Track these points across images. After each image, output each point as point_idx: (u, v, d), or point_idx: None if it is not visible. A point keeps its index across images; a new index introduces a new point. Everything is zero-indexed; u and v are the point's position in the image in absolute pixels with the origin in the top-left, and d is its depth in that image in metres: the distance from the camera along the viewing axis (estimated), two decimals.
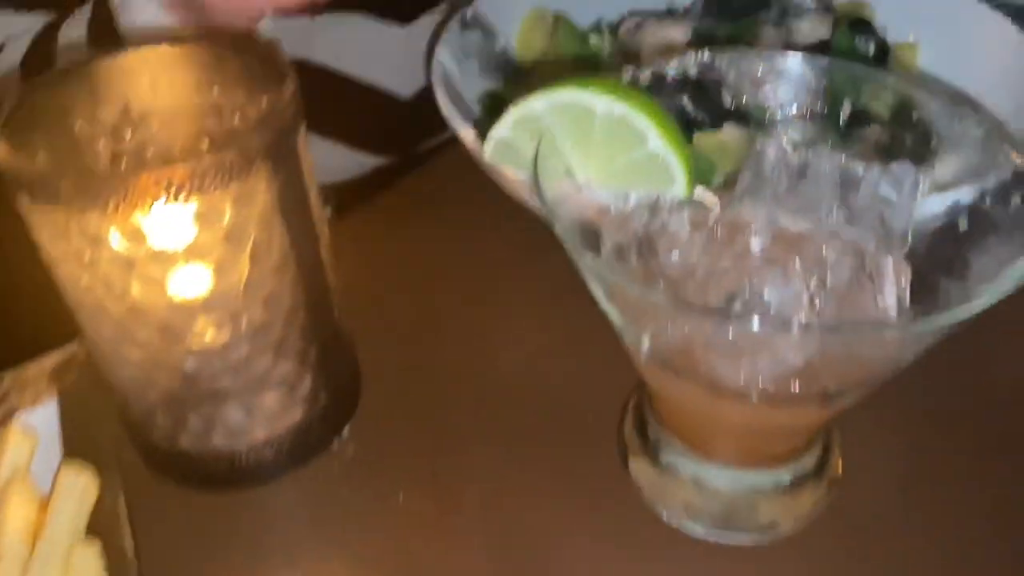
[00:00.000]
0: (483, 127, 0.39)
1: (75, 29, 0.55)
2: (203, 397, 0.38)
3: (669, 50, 0.52)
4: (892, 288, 0.32)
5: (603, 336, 0.34)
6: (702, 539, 0.38)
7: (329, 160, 0.80)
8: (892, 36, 0.60)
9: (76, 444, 0.41)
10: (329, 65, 0.74)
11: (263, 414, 0.40)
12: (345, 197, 0.77)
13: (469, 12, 0.58)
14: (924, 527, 0.38)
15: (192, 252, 0.34)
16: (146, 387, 0.39)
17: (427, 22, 0.73)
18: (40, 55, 0.59)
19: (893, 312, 0.31)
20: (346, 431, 0.43)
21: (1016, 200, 0.31)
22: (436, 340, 0.48)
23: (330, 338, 0.41)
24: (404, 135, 0.79)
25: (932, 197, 0.34)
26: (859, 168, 0.34)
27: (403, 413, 0.44)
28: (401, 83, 0.76)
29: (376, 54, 0.75)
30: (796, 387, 0.31)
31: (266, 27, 0.67)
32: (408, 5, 0.72)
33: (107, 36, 0.52)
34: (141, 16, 0.51)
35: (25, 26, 0.61)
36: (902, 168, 0.33)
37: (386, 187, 0.62)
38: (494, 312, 0.50)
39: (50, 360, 0.43)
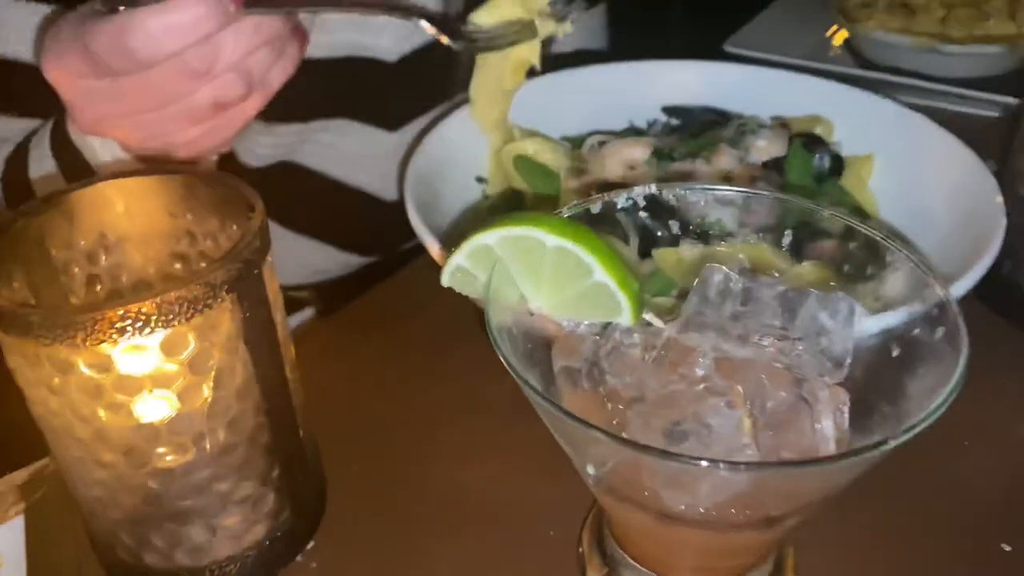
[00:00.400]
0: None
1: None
2: (167, 516, 0.39)
3: (630, 167, 0.55)
4: (829, 414, 0.33)
5: (564, 453, 0.35)
6: None
7: (315, 260, 0.82)
8: (849, 149, 0.63)
9: (40, 560, 0.41)
10: (317, 168, 0.77)
11: (227, 532, 0.40)
12: (331, 296, 0.79)
13: (441, 129, 0.60)
14: None
15: (157, 379, 0.35)
16: (111, 506, 0.39)
17: (415, 128, 0.75)
18: (14, 171, 0.61)
19: (831, 436, 0.33)
20: (310, 545, 0.44)
21: (940, 330, 0.32)
22: (403, 452, 0.49)
23: (294, 456, 0.42)
24: (389, 236, 0.81)
25: (867, 320, 0.35)
26: (799, 297, 0.35)
27: (367, 527, 0.45)
28: (387, 187, 0.78)
29: (364, 158, 0.78)
30: (739, 513, 0.32)
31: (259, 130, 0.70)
32: (397, 112, 0.75)
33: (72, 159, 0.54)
34: (102, 157, 0.53)
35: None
36: (839, 297, 0.35)
37: (371, 284, 0.64)
38: (461, 426, 0.51)
39: (19, 475, 0.44)
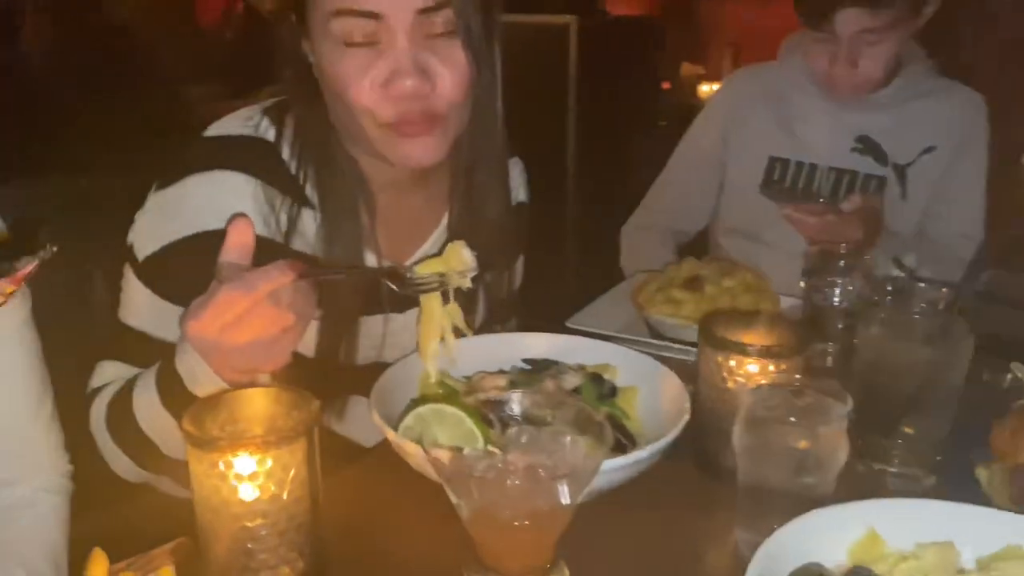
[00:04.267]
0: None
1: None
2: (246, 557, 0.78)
3: (496, 388, 1.01)
4: (566, 490, 0.76)
5: None
6: None
7: None
8: (622, 383, 1.10)
9: None
10: None
11: None
12: None
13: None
14: None
15: (261, 479, 0.76)
16: (222, 552, 0.78)
17: None
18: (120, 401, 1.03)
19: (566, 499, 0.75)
20: None
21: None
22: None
23: (312, 544, 0.81)
24: None
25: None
26: (559, 439, 0.80)
27: None
28: None
29: None
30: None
31: None
32: None
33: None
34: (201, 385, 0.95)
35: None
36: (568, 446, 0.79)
37: None
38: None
39: (170, 544, 0.82)
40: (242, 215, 0.93)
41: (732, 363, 0.94)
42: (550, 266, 2.11)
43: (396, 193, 1.18)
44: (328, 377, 1.14)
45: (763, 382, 0.89)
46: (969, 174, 1.70)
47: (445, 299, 1.00)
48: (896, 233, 1.61)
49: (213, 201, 1.06)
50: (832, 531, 0.77)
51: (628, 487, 0.92)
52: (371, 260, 1.17)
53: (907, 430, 0.99)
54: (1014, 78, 1.89)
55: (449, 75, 1.03)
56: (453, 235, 1.19)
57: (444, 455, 0.76)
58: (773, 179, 1.77)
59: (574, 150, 3.46)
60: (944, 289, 1.01)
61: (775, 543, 0.73)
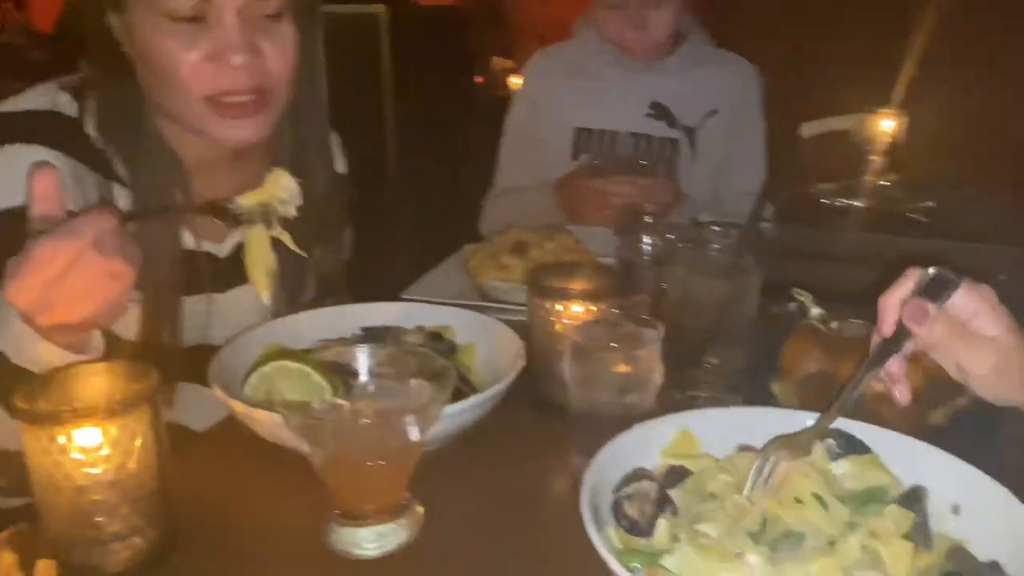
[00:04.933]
0: None
1: None
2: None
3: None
4: (415, 427, 0.81)
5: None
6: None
7: None
8: (460, 341, 1.16)
9: None
10: None
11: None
12: None
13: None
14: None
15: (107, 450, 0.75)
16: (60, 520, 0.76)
17: None
18: None
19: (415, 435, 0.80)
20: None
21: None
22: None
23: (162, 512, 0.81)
24: None
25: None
26: (405, 384, 0.84)
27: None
28: None
29: None
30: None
31: None
32: None
33: None
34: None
35: None
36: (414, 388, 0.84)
37: None
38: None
39: (5, 533, 0.79)
40: (44, 163, 0.86)
41: (559, 308, 1.03)
42: (377, 250, 2.15)
43: (212, 172, 1.18)
44: (154, 362, 1.12)
45: (585, 319, 0.98)
46: (748, 136, 1.91)
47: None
48: (690, 196, 1.78)
49: (10, 177, 0.98)
50: (652, 440, 0.87)
51: (473, 433, 0.99)
52: (188, 241, 1.16)
53: (711, 359, 1.11)
54: (784, 50, 2.12)
55: (278, 54, 1.05)
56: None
57: (294, 409, 0.79)
58: (580, 148, 1.90)
59: (392, 139, 3.49)
60: (733, 231, 1.14)
61: (606, 455, 0.82)
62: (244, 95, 1.04)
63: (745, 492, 0.78)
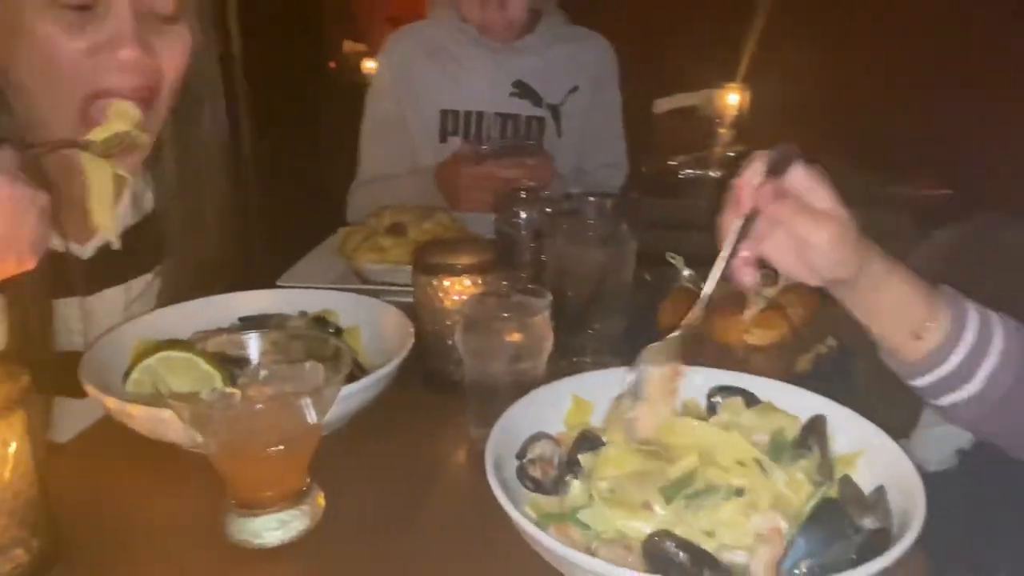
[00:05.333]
0: None
1: None
2: None
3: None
4: (312, 410, 0.79)
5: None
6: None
7: None
8: (344, 324, 1.14)
9: None
10: None
11: None
12: None
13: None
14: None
15: None
16: None
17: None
18: None
19: (312, 418, 0.79)
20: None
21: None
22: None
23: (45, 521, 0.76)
24: None
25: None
26: (298, 366, 0.83)
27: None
28: None
29: None
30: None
31: None
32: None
33: None
34: None
35: None
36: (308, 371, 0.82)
37: None
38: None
39: None
40: None
41: (446, 283, 1.03)
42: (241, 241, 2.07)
43: (77, 173, 1.10)
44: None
45: (475, 292, 0.99)
46: (607, 110, 1.96)
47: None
48: (561, 175, 1.82)
49: None
50: (549, 405, 0.89)
51: (368, 415, 0.98)
52: (56, 242, 1.09)
53: (593, 325, 1.15)
54: (634, 27, 2.19)
55: (170, 57, 0.99)
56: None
57: (185, 400, 0.76)
58: (447, 130, 1.90)
59: (248, 130, 3.37)
60: (607, 202, 1.18)
61: (506, 422, 0.83)
62: (129, 95, 0.97)
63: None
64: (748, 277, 0.85)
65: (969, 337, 0.86)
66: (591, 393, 0.91)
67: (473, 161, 1.65)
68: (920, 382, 0.89)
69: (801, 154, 0.83)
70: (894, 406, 1.02)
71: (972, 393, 0.87)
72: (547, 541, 0.66)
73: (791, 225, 0.80)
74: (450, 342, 1.06)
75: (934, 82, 2.51)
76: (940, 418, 1.00)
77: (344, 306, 1.17)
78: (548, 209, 1.23)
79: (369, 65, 4.89)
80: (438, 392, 1.08)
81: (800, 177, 0.80)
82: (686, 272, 1.14)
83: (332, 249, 1.52)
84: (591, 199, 1.18)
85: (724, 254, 0.83)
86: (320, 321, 1.10)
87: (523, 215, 1.36)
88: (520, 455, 0.83)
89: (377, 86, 1.99)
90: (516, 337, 0.92)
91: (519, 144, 1.76)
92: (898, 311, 0.86)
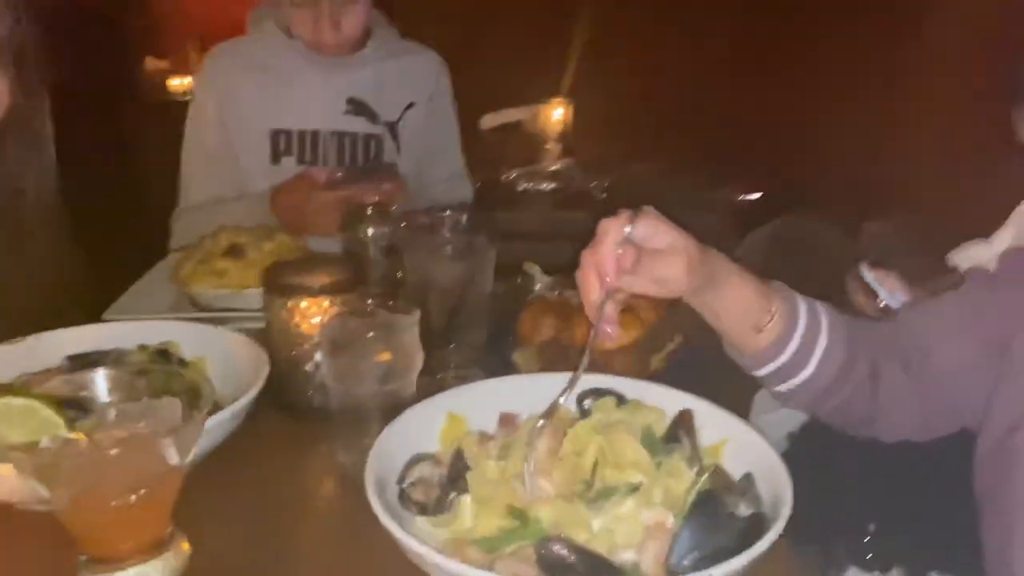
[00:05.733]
0: None
1: None
2: None
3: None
4: (173, 450, 0.73)
5: None
6: None
7: None
8: (189, 356, 1.07)
9: None
10: None
11: None
12: None
13: None
14: None
15: None
16: None
17: None
18: None
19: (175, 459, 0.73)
20: None
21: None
22: None
23: None
24: None
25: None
26: (152, 404, 0.76)
27: None
28: None
29: None
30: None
31: None
32: None
33: None
34: None
35: None
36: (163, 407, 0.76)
37: None
38: None
39: None
40: None
41: (303, 305, 0.99)
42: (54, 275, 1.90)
43: None
44: None
45: (337, 312, 0.95)
46: (444, 125, 1.96)
47: None
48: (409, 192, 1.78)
49: None
50: (423, 425, 0.87)
51: (226, 450, 0.91)
52: None
53: (456, 339, 1.14)
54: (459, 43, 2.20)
55: None
56: None
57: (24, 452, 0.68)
58: (280, 151, 1.81)
59: (54, 164, 3.09)
60: (462, 215, 1.18)
61: (381, 444, 0.81)
62: None
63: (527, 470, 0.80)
64: (616, 330, 0.86)
65: (802, 325, 0.93)
66: (464, 408, 0.90)
67: (325, 185, 1.58)
68: (763, 371, 0.95)
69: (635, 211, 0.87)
70: (731, 396, 1.08)
71: (808, 376, 0.94)
72: (445, 564, 0.64)
73: (649, 271, 0.85)
74: (309, 367, 1.02)
75: (746, 93, 2.72)
76: (769, 406, 1.08)
77: (186, 337, 1.09)
78: (404, 224, 1.21)
79: (175, 83, 4.64)
80: (298, 421, 1.03)
81: (643, 227, 0.85)
82: (543, 282, 1.16)
83: (161, 276, 1.42)
84: (447, 212, 1.17)
85: (594, 333, 0.85)
86: (163, 354, 1.02)
87: (371, 231, 1.33)
88: (400, 479, 0.80)
89: (198, 107, 1.87)
90: (385, 357, 0.89)
91: (373, 167, 1.70)
92: (740, 308, 0.91)
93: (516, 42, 3.03)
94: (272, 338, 1.03)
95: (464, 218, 1.16)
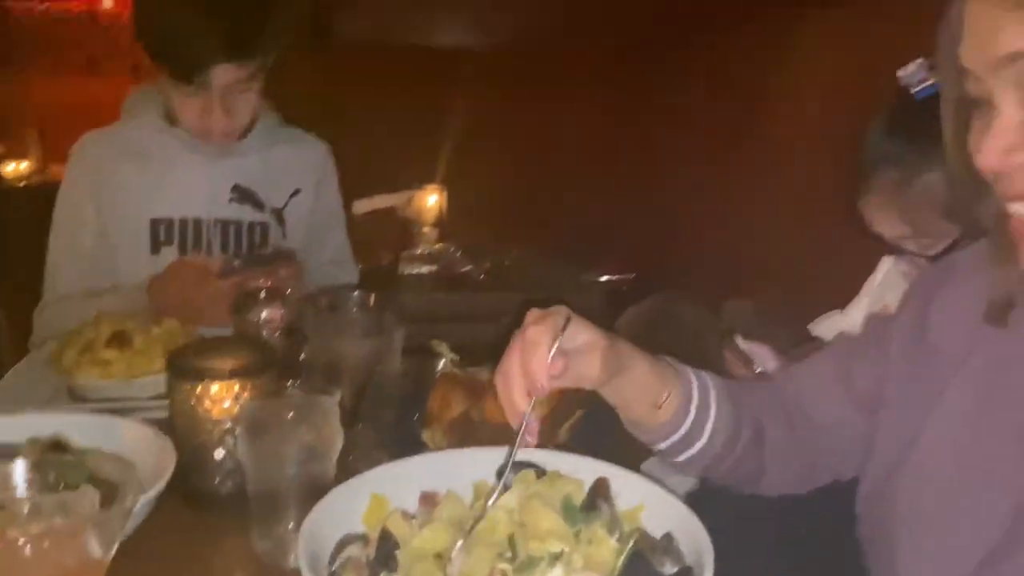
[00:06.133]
0: None
1: None
2: None
3: None
4: (94, 542, 0.69)
5: None
6: None
7: None
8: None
9: None
10: None
11: None
12: None
13: None
14: None
15: None
16: None
17: None
18: None
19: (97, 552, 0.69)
20: None
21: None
22: None
23: None
24: None
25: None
26: (67, 495, 0.72)
27: None
28: None
29: None
30: None
31: None
32: None
33: None
34: None
35: None
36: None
37: None
38: None
39: None
40: None
41: (214, 389, 0.96)
42: None
43: None
44: None
45: (248, 396, 0.94)
46: (330, 210, 1.96)
47: None
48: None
49: None
50: (347, 506, 0.86)
51: (131, 546, 0.86)
52: None
53: (365, 418, 1.14)
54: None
55: None
56: None
57: None
58: (160, 240, 1.76)
59: None
60: (369, 294, 1.19)
61: (309, 527, 0.80)
62: None
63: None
64: (536, 439, 0.88)
65: (696, 398, 0.99)
66: (385, 488, 0.90)
67: (219, 275, 1.53)
68: (663, 445, 1.00)
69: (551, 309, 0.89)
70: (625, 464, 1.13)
71: (703, 444, 1.00)
72: None
73: (570, 372, 0.87)
74: (218, 454, 0.99)
75: (618, 179, 2.89)
76: (659, 473, 1.13)
77: (77, 429, 1.03)
78: (308, 305, 1.20)
79: (8, 169, 4.40)
80: (207, 510, 0.99)
81: (568, 331, 0.88)
82: (450, 359, 1.18)
83: (38, 367, 1.34)
84: (353, 293, 1.18)
85: (520, 437, 0.86)
86: (57, 447, 0.96)
87: (265, 315, 1.31)
88: (331, 561, 0.79)
89: (68, 195, 1.78)
90: (306, 439, 0.88)
91: (271, 254, 1.67)
92: (641, 388, 0.96)
93: (391, 128, 3.11)
94: (177, 426, 0.99)
95: (372, 297, 1.18)
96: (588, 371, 0.88)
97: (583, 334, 0.88)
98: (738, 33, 2.52)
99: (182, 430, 0.99)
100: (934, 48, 0.76)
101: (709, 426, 1.00)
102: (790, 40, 2.39)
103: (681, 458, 1.01)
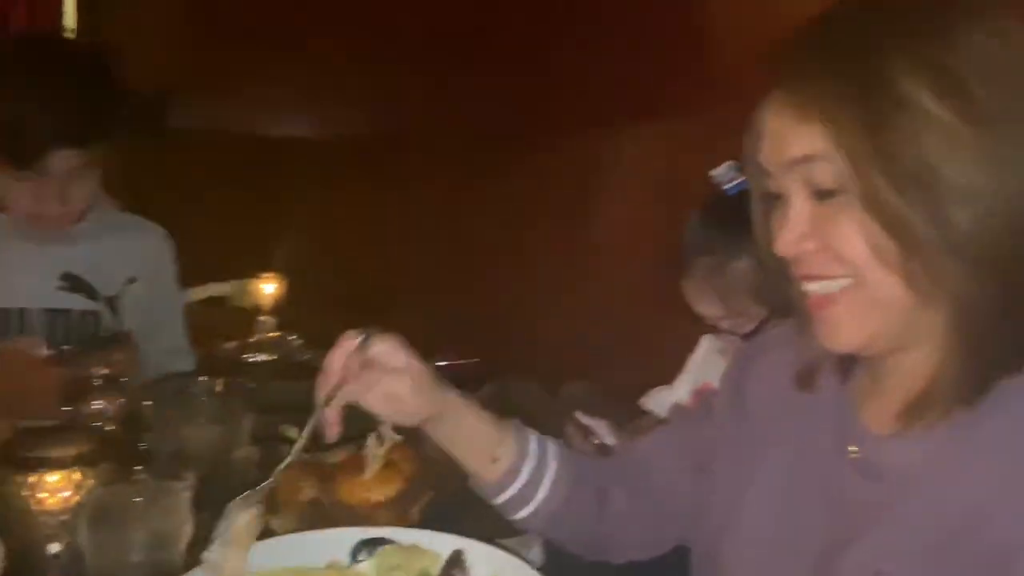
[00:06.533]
0: None
1: None
2: None
3: None
4: None
5: None
6: None
7: None
8: None
9: None
10: None
11: None
12: None
13: None
14: None
15: None
16: None
17: None
18: None
19: None
20: None
21: None
22: None
23: None
24: None
25: None
26: None
27: None
28: None
29: None
30: None
31: None
32: None
33: None
34: None
35: None
36: None
37: None
38: None
39: None
40: None
41: (52, 479, 0.91)
42: None
43: None
44: None
45: (88, 484, 0.90)
46: (167, 298, 1.89)
47: None
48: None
49: None
50: None
51: None
52: None
53: (211, 507, 1.10)
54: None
55: None
56: None
57: None
58: None
59: None
60: (216, 381, 1.17)
61: None
62: None
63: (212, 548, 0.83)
64: (334, 431, 0.97)
65: (533, 455, 1.05)
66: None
67: (47, 363, 1.43)
68: (500, 499, 1.05)
69: (380, 331, 0.98)
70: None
71: (540, 501, 1.05)
72: None
73: (380, 384, 0.96)
74: (53, 550, 0.93)
75: (459, 267, 2.97)
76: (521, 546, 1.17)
77: None
78: (149, 392, 1.17)
79: None
80: None
81: (381, 347, 0.97)
82: (298, 443, 1.17)
83: None
84: (200, 379, 1.15)
85: (316, 414, 0.95)
86: None
87: (101, 404, 1.26)
88: None
89: None
90: (154, 525, 0.86)
91: (106, 338, 1.58)
92: (476, 438, 1.02)
93: (228, 216, 3.06)
94: (7, 520, 0.93)
95: (218, 384, 1.16)
96: (398, 389, 0.95)
97: (402, 358, 0.96)
98: (567, 141, 2.74)
99: (12, 525, 0.92)
100: (742, 151, 0.88)
101: (547, 482, 1.04)
102: (617, 143, 2.61)
103: (520, 515, 1.05)
